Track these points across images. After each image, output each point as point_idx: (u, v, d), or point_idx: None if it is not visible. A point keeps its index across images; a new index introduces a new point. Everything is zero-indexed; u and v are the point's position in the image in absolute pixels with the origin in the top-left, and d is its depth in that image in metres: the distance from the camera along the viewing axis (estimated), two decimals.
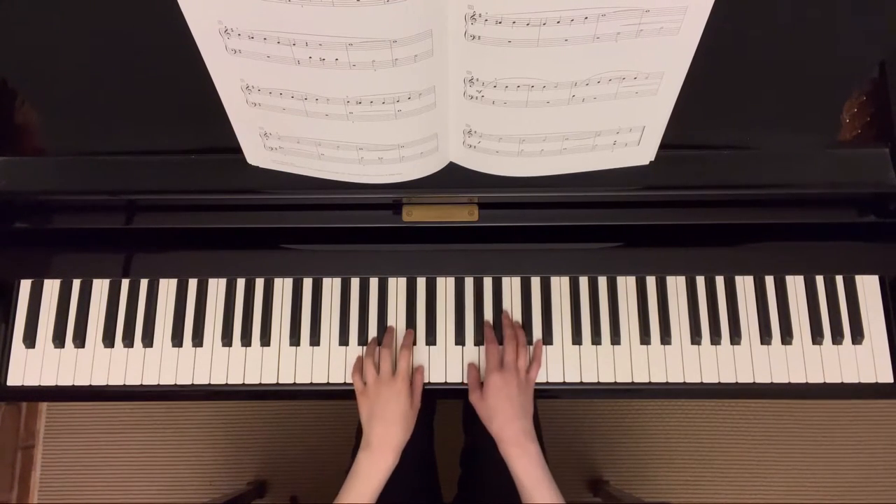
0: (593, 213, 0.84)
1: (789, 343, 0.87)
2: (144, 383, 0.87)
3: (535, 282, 0.90)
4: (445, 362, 0.88)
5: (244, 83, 0.64)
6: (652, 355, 0.87)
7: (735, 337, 0.87)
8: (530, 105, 0.65)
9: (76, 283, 0.90)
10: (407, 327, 0.88)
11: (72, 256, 0.89)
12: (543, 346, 0.87)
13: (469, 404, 0.84)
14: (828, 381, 0.86)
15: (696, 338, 0.87)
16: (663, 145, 0.73)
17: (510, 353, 0.82)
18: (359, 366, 0.86)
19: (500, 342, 0.86)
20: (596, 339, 0.87)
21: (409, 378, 0.82)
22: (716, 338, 0.87)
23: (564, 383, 0.87)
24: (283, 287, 0.90)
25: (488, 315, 0.89)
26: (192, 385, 0.87)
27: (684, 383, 0.86)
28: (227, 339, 0.88)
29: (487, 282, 0.90)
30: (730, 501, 1.53)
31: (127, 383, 0.87)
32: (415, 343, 0.88)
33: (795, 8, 0.68)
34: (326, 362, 0.88)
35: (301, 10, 0.54)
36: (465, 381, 0.86)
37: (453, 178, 0.77)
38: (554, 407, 1.55)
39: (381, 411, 0.78)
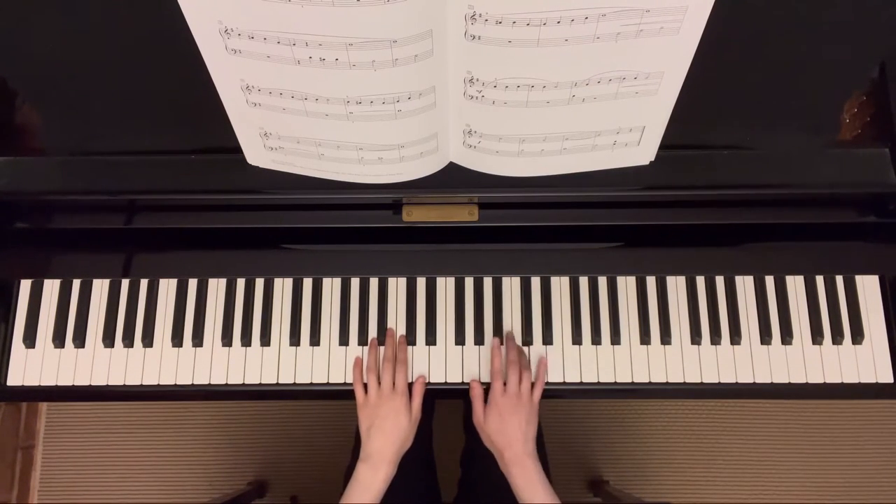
0: (593, 213, 0.84)
1: (789, 343, 0.87)
2: (144, 383, 0.87)
3: (535, 282, 0.90)
4: (445, 362, 0.88)
5: (244, 83, 0.64)
6: (652, 355, 0.87)
7: (735, 337, 0.87)
8: (530, 105, 0.65)
9: (76, 283, 0.90)
10: (407, 327, 0.88)
11: (72, 256, 0.89)
12: (543, 346, 0.87)
13: (469, 405, 0.84)
14: (828, 381, 0.86)
15: (696, 338, 0.87)
16: (663, 145, 0.73)
17: (513, 378, 0.82)
18: (359, 374, 0.86)
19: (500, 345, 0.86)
20: (596, 339, 0.87)
21: (408, 392, 0.83)
22: (716, 338, 0.87)
23: (564, 383, 0.87)
24: (283, 287, 0.90)
25: (488, 315, 0.89)
26: (192, 385, 0.87)
27: (684, 383, 0.86)
28: (227, 339, 0.88)
29: (487, 282, 0.90)
30: (730, 501, 1.53)
31: (127, 383, 0.87)
32: (414, 343, 0.88)
33: (795, 8, 0.68)
34: (326, 362, 0.88)
35: (301, 10, 0.54)
36: (469, 393, 0.86)
37: (453, 178, 0.77)
38: (554, 407, 1.55)
39: (380, 425, 0.80)
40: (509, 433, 0.79)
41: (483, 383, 0.85)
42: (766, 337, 0.87)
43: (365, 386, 0.84)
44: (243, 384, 0.87)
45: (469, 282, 0.90)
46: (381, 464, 0.78)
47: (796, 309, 0.88)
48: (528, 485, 0.77)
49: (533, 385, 0.83)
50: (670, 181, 0.76)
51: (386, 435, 0.79)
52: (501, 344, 0.86)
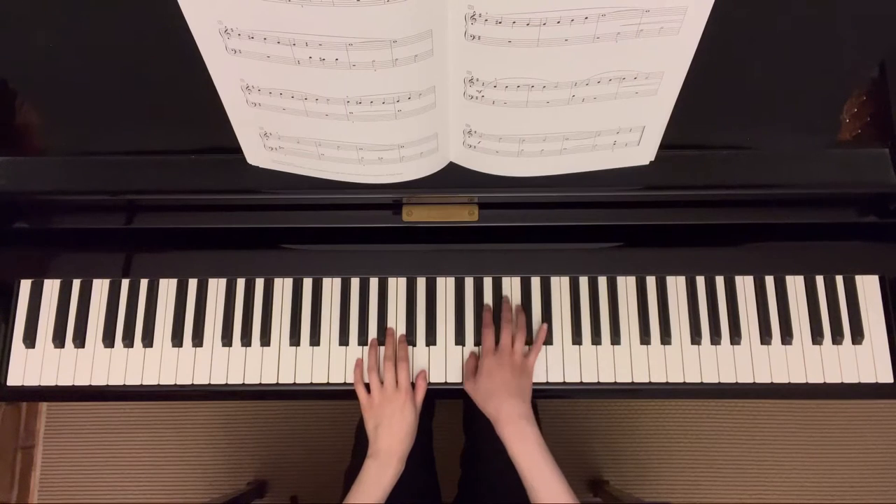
0: (593, 213, 0.84)
1: (789, 343, 0.87)
2: (144, 383, 0.87)
3: (535, 282, 0.90)
4: (445, 362, 0.88)
5: (244, 83, 0.64)
6: (652, 355, 0.87)
7: (735, 337, 0.87)
8: (530, 105, 0.65)
9: (76, 283, 0.90)
10: (407, 327, 0.88)
11: (72, 256, 0.89)
12: (544, 347, 0.87)
13: (469, 405, 0.84)
14: (828, 381, 0.86)
15: (696, 338, 0.87)
16: (663, 145, 0.73)
17: (506, 336, 0.82)
18: (360, 375, 0.86)
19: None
20: (596, 339, 0.87)
21: (411, 388, 0.83)
22: (716, 338, 0.87)
23: (564, 383, 0.87)
24: (283, 287, 0.90)
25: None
26: (192, 385, 0.87)
27: (684, 383, 0.86)
28: (227, 340, 0.88)
29: (487, 282, 0.90)
30: (730, 501, 1.53)
31: (127, 383, 0.87)
32: (414, 344, 0.88)
33: (796, 8, 0.68)
34: (326, 362, 0.88)
35: (301, 10, 0.54)
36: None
37: (453, 178, 0.77)
38: (554, 407, 1.55)
39: (388, 423, 0.80)
40: (501, 391, 0.77)
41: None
42: (766, 337, 0.87)
43: (367, 386, 0.85)
44: (243, 384, 0.87)
45: (469, 282, 0.90)
46: (390, 461, 0.78)
47: (796, 309, 0.88)
48: (525, 449, 0.74)
49: (528, 352, 0.83)
50: (670, 181, 0.76)
51: (394, 433, 0.80)
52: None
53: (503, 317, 0.85)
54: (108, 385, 0.87)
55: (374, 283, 0.90)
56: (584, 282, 0.90)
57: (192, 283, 0.90)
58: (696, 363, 0.87)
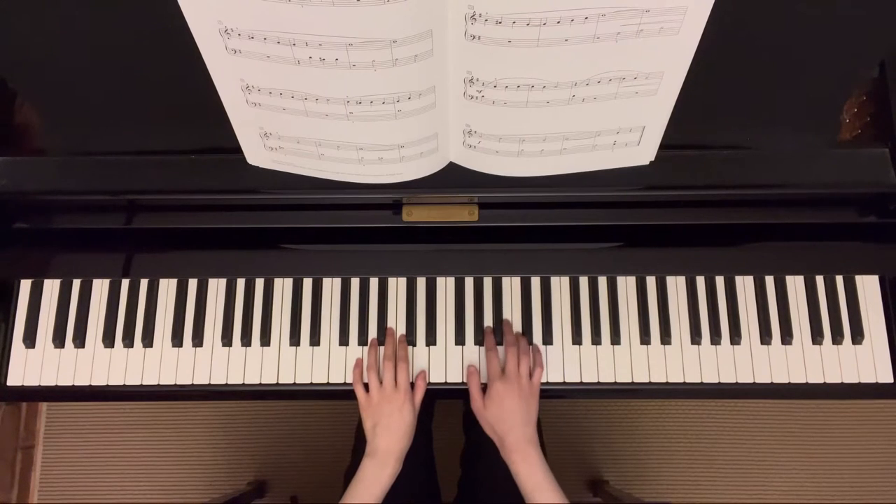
0: (593, 213, 0.84)
1: (789, 343, 0.87)
2: (144, 383, 0.87)
3: (535, 282, 0.90)
4: (445, 362, 0.88)
5: (244, 83, 0.64)
6: (652, 355, 0.87)
7: (735, 337, 0.87)
8: (530, 105, 0.65)
9: (76, 283, 0.90)
10: (407, 327, 0.88)
11: (72, 256, 0.89)
12: (543, 347, 0.87)
13: (469, 405, 0.84)
14: (828, 381, 0.86)
15: (696, 338, 0.87)
16: (663, 145, 0.73)
17: (511, 361, 0.82)
18: (359, 375, 0.86)
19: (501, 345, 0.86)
20: (596, 340, 0.87)
21: (410, 388, 0.83)
22: (716, 338, 0.87)
23: (564, 383, 0.87)
24: (283, 287, 0.90)
25: (488, 315, 0.89)
26: (192, 385, 0.87)
27: (684, 383, 0.86)
28: (227, 340, 0.88)
29: (487, 282, 0.90)
30: (730, 501, 1.53)
31: (127, 383, 0.87)
32: (414, 344, 0.88)
33: (795, 8, 0.68)
34: (326, 362, 0.88)
35: (301, 10, 0.54)
36: (466, 382, 0.86)
37: (453, 178, 0.77)
38: (554, 407, 1.55)
39: (386, 423, 0.80)
40: (510, 418, 0.79)
41: (483, 384, 0.85)
42: (766, 337, 0.87)
43: (366, 385, 0.85)
44: (243, 384, 0.87)
45: (469, 282, 0.90)
46: (388, 460, 0.78)
47: (796, 309, 0.88)
48: (529, 472, 0.76)
49: (532, 372, 0.83)
50: (670, 181, 0.76)
51: (392, 432, 0.80)
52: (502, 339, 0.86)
53: (506, 340, 0.85)
54: (108, 385, 0.87)
55: (374, 283, 0.90)
56: (584, 282, 0.90)
57: (192, 283, 0.90)
58: (696, 363, 0.87)
